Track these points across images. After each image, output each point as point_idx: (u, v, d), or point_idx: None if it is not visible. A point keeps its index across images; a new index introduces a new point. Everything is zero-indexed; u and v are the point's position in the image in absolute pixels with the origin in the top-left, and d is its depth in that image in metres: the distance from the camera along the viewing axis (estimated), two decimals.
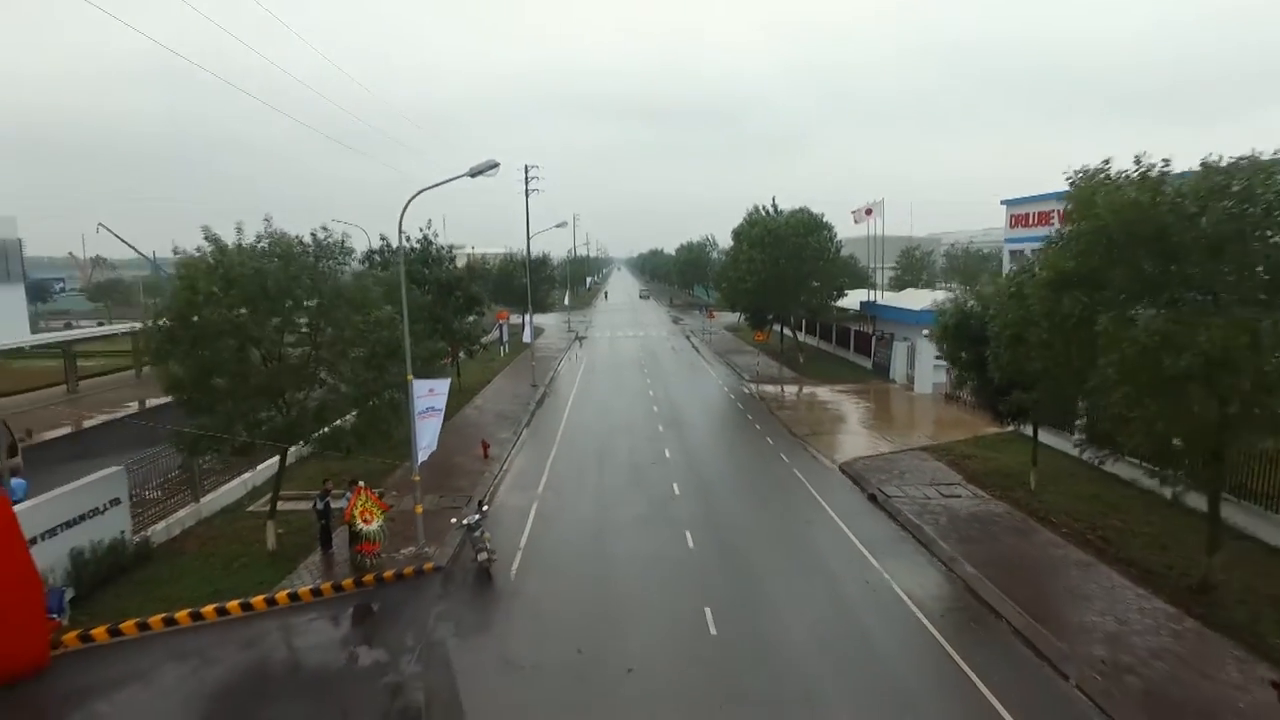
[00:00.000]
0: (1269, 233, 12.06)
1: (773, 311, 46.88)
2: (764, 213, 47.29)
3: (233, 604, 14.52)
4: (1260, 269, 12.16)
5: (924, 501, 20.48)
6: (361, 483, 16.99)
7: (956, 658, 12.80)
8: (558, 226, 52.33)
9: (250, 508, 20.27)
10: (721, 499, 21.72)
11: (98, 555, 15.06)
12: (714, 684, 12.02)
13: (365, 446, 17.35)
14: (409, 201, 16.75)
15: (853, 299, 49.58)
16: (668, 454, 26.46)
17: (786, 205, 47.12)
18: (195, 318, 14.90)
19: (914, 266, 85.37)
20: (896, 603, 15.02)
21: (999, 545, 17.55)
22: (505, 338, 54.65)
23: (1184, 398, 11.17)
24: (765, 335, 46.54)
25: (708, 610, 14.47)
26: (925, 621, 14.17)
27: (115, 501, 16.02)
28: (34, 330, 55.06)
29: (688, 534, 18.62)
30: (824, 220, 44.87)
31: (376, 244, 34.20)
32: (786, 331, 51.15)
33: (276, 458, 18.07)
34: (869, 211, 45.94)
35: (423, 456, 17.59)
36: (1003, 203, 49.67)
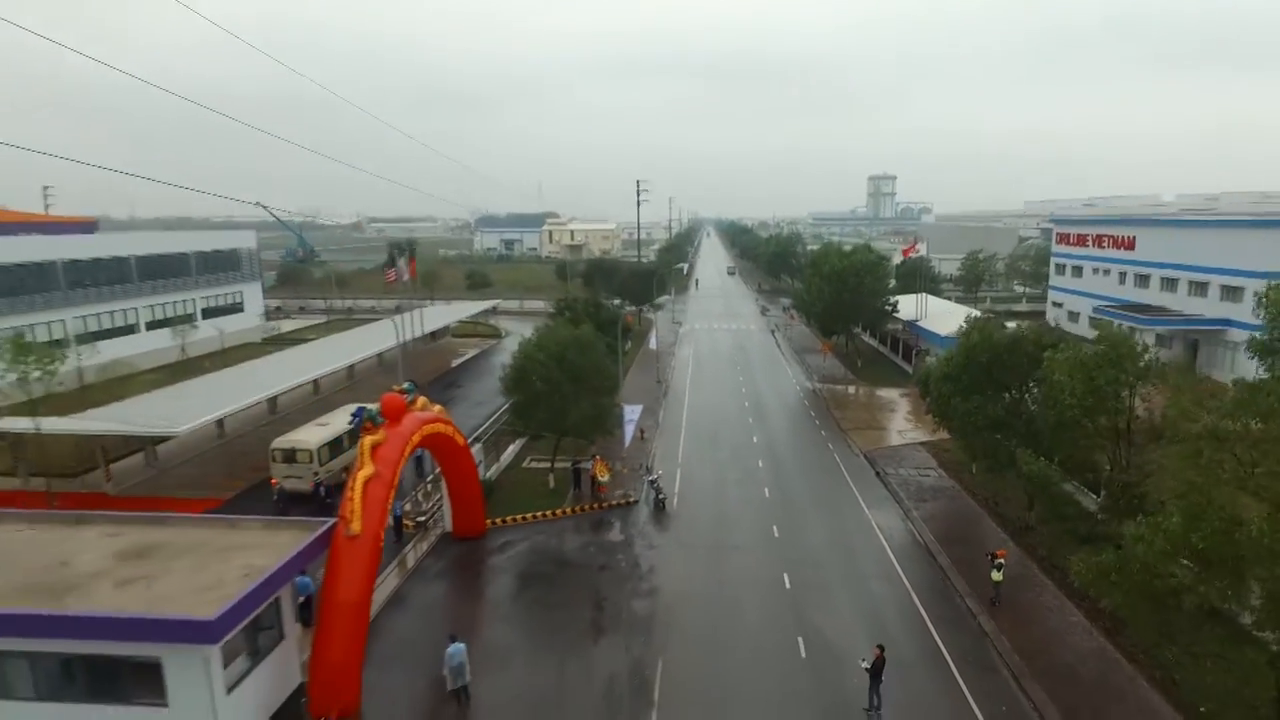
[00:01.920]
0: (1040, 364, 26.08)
1: (837, 328, 60.73)
2: (831, 245, 60.89)
3: (546, 513, 30.74)
4: (1040, 377, 26.22)
5: (906, 477, 34.94)
6: (598, 455, 32.95)
7: (892, 557, 27.58)
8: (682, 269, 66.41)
9: (522, 465, 36.60)
10: (786, 469, 36.73)
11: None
12: (778, 553, 27.42)
13: (598, 435, 33.21)
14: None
15: (907, 307, 62.00)
16: (755, 440, 41.53)
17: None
18: (530, 374, 30.99)
19: (976, 267, 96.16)
20: (871, 529, 29.84)
21: (938, 504, 31.98)
22: (629, 334, 70.37)
23: (994, 436, 25.75)
24: (830, 346, 60.34)
25: (774, 526, 29.76)
26: (883, 539, 28.96)
27: (481, 461, 32.47)
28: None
29: (766, 489, 33.84)
30: (881, 259, 58.19)
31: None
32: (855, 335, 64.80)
33: (538, 438, 34.20)
34: (913, 245, 59.05)
35: (626, 442, 33.45)
36: (1051, 220, 60.51)
